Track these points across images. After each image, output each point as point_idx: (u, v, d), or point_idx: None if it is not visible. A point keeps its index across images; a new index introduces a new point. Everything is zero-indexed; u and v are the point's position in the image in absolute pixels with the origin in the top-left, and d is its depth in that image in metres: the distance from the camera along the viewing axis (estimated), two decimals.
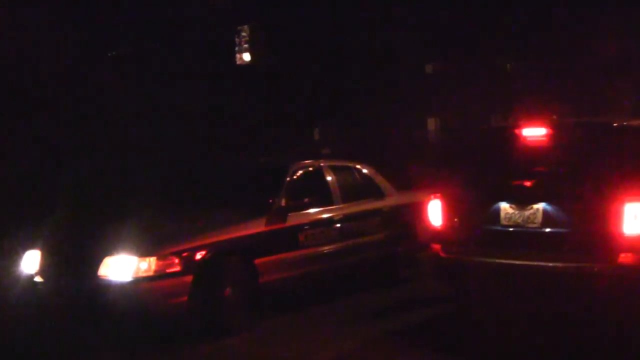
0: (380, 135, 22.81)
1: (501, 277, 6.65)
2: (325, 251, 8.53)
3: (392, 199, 9.85)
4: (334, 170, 9.19)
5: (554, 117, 7.13)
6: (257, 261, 7.60)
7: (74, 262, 7.23)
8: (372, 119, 23.21)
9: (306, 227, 8.30)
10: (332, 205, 8.85)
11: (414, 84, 24.41)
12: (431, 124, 28.10)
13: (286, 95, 20.31)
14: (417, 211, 9.19)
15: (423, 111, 26.63)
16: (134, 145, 14.72)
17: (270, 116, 19.81)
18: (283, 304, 8.25)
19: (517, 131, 6.87)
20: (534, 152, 6.81)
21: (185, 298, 6.95)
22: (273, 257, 7.81)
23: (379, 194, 9.75)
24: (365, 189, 9.62)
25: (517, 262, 6.57)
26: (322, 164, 9.14)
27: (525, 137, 6.83)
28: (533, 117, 7.13)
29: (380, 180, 9.94)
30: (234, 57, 21.30)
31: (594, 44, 21.35)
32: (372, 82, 22.71)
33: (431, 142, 25.52)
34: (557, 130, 6.79)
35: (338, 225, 8.78)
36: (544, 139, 6.76)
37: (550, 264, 6.41)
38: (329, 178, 9.01)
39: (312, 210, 8.45)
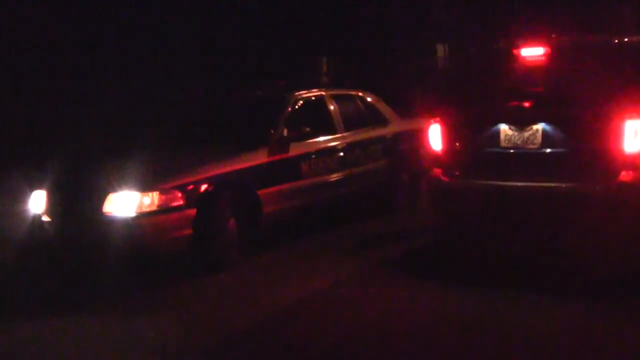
0: (389, 64, 22.58)
1: (502, 198, 6.65)
2: (328, 180, 8.57)
3: (396, 126, 9.83)
4: (336, 98, 9.16)
5: (553, 35, 7.00)
6: (260, 192, 7.65)
7: (78, 200, 7.29)
8: (381, 47, 22.94)
9: (309, 156, 8.31)
10: (334, 134, 8.85)
11: (422, 9, 24.06)
12: (440, 50, 27.77)
13: (292, 23, 20.06)
14: (420, 138, 9.17)
15: (432, 37, 26.29)
16: (133, 84, 14.64)
17: (276, 46, 19.60)
18: (284, 233, 8.31)
19: (515, 51, 6.78)
20: (533, 72, 6.73)
21: (189, 231, 7.01)
22: (276, 188, 7.85)
23: (382, 121, 9.73)
24: (368, 117, 9.60)
25: (518, 184, 6.56)
26: (323, 93, 9.10)
27: (524, 57, 6.74)
28: (531, 36, 7.02)
29: (383, 107, 9.90)
30: None
31: None
32: (380, 8, 22.41)
33: (440, 68, 25.26)
34: (556, 49, 6.68)
35: (341, 153, 8.79)
36: (543, 58, 6.67)
37: (552, 184, 6.39)
38: (330, 107, 8.99)
39: (314, 140, 8.45)
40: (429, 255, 7.65)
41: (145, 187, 6.93)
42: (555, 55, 6.65)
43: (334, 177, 8.65)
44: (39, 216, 7.49)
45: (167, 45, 15.82)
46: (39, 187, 7.68)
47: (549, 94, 6.61)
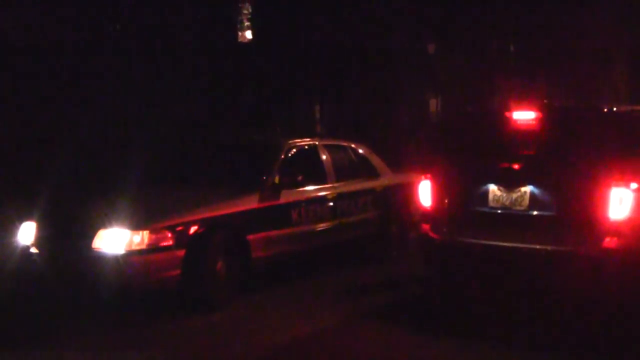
0: (380, 115, 22.85)
1: (488, 258, 6.75)
2: (317, 229, 8.65)
3: (387, 179, 9.95)
4: (329, 149, 9.28)
5: (545, 101, 7.19)
6: (250, 237, 7.71)
7: (68, 234, 7.33)
8: (374, 98, 23.22)
9: (299, 204, 8.40)
10: (325, 183, 8.96)
11: (416, 64, 24.42)
12: (433, 104, 28.11)
13: (287, 73, 20.32)
14: (411, 192, 9.31)
15: (425, 92, 26.65)
16: (130, 121, 14.76)
17: (270, 94, 19.83)
18: (272, 278, 8.36)
19: (507, 114, 6.94)
20: (524, 136, 6.89)
21: (178, 272, 7.07)
22: (265, 234, 7.92)
23: (373, 173, 9.85)
24: (360, 168, 9.72)
25: (504, 244, 6.67)
26: (316, 143, 9.23)
27: (515, 121, 6.91)
28: (524, 101, 7.20)
29: (375, 160, 10.03)
30: (235, 34, 21.27)
31: (592, 30, 21.39)
32: (375, 62, 22.70)
33: (432, 123, 25.56)
34: (547, 114, 6.86)
35: (331, 203, 8.89)
36: (534, 122, 6.84)
37: (537, 246, 6.51)
38: (323, 157, 9.11)
39: (305, 188, 8.55)
40: (414, 306, 7.72)
41: (136, 226, 6.99)
42: (546, 120, 6.82)
43: (324, 226, 8.73)
44: (28, 247, 7.52)
45: (161, 82, 15.98)
46: (29, 218, 7.72)
47: (538, 158, 6.77)
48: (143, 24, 16.53)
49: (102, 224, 7.07)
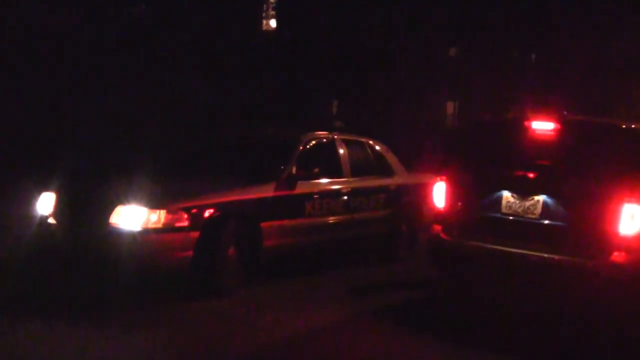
0: (397, 115, 22.91)
1: (497, 263, 6.84)
2: (330, 222, 8.76)
3: (401, 178, 10.06)
4: (346, 144, 9.40)
5: (565, 113, 7.26)
6: (263, 224, 7.84)
7: (86, 207, 7.47)
8: (392, 98, 23.29)
9: (314, 196, 8.52)
10: (341, 177, 9.07)
11: (437, 66, 24.46)
12: (450, 107, 28.18)
13: (308, 65, 20.42)
14: (424, 192, 9.43)
15: (443, 94, 26.70)
16: (157, 110, 14.91)
17: (291, 85, 19.95)
18: (280, 272, 8.47)
19: (526, 123, 7.02)
20: (541, 146, 6.96)
21: (190, 253, 7.19)
22: (279, 222, 8.05)
23: (388, 171, 9.96)
24: (375, 166, 9.83)
25: (514, 250, 6.75)
26: (335, 137, 9.35)
27: (534, 130, 6.98)
28: (544, 111, 7.28)
29: (391, 158, 10.14)
30: (260, 23, 21.41)
31: (617, 46, 21.37)
32: (395, 61, 22.76)
33: (448, 126, 25.62)
34: (566, 126, 6.93)
35: (345, 198, 9.00)
36: (552, 133, 6.91)
37: (546, 255, 6.58)
38: (340, 151, 9.23)
39: (321, 181, 8.67)
40: (420, 308, 7.81)
41: (153, 204, 7.12)
42: (564, 132, 6.89)
43: (336, 219, 8.85)
44: (46, 218, 7.67)
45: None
46: (48, 189, 7.86)
47: (553, 168, 6.84)
48: (168, 13, 16.67)
49: (121, 201, 7.20)
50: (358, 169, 9.39)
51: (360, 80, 22.01)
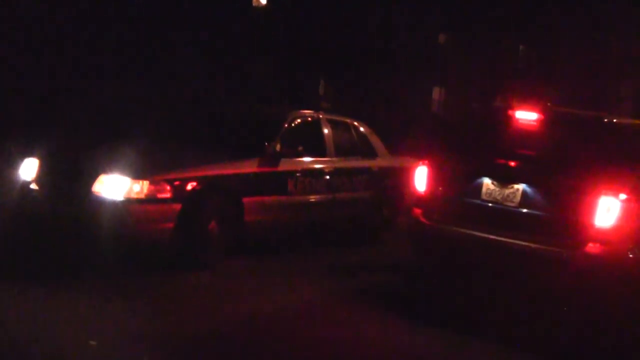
0: (383, 99, 22.95)
1: (475, 249, 6.93)
2: (311, 200, 8.83)
3: (384, 161, 10.13)
4: (331, 124, 9.45)
5: (548, 104, 7.34)
6: (245, 199, 7.89)
7: (69, 175, 7.48)
8: (378, 81, 23.30)
9: (297, 174, 8.58)
10: (324, 157, 9.12)
11: (425, 50, 24.48)
12: (436, 93, 28.24)
13: (297, 44, 20.40)
14: (406, 175, 9.50)
15: (430, 80, 26.75)
16: (144, 84, 14.86)
17: (279, 64, 19.91)
18: (262, 249, 8.54)
19: (510, 113, 7.10)
20: (523, 135, 7.05)
21: (172, 225, 7.24)
22: (260, 198, 8.11)
23: (371, 153, 10.02)
24: (359, 147, 9.90)
25: (491, 237, 6.83)
26: (320, 116, 9.39)
27: (517, 120, 7.06)
28: (528, 101, 7.35)
29: (374, 140, 10.20)
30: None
31: (605, 41, 21.50)
32: (383, 44, 22.77)
33: (433, 111, 25.70)
34: (549, 117, 7.02)
35: (327, 177, 9.07)
36: (535, 123, 6.99)
37: (523, 243, 6.66)
38: (325, 131, 9.28)
39: (304, 159, 8.72)
40: (396, 289, 7.93)
41: (136, 175, 7.15)
42: (547, 123, 6.97)
43: (318, 198, 8.91)
44: (28, 183, 7.66)
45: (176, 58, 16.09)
46: (32, 154, 7.85)
47: (534, 158, 6.93)
48: None
49: (104, 170, 7.22)
50: (342, 150, 9.45)
51: (349, 62, 22.00)
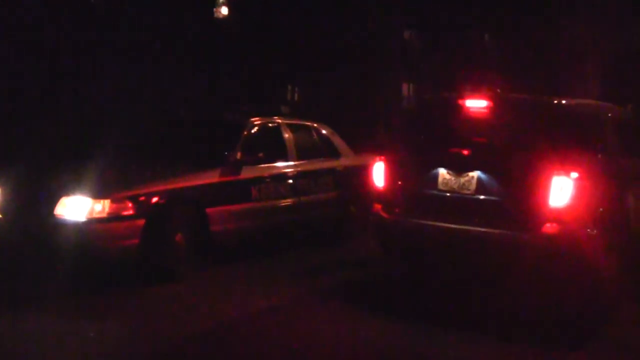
0: (352, 98, 23.04)
1: (437, 239, 7.04)
2: (277, 205, 8.89)
3: (348, 160, 10.21)
4: (291, 128, 9.52)
5: (497, 90, 7.45)
6: (209, 210, 7.94)
7: (32, 199, 7.51)
8: (347, 81, 23.39)
9: (259, 180, 8.63)
10: (287, 161, 9.19)
11: (391, 48, 24.60)
12: (405, 89, 28.37)
13: (261, 52, 20.46)
14: (371, 173, 9.57)
15: (397, 76, 26.86)
16: (100, 96, 14.87)
17: (245, 73, 19.98)
18: (230, 254, 8.60)
19: (460, 102, 7.21)
20: (475, 123, 7.17)
21: (137, 241, 7.27)
22: (225, 208, 8.15)
23: (334, 154, 10.10)
24: (322, 149, 9.97)
25: (452, 226, 6.95)
26: (279, 121, 9.46)
27: (468, 108, 7.18)
28: (477, 89, 7.47)
29: (337, 140, 10.28)
30: (211, 11, 21.33)
31: (567, 28, 21.68)
32: (349, 43, 22.85)
33: (403, 107, 25.80)
34: (498, 103, 7.14)
35: (291, 181, 9.14)
36: (485, 111, 7.11)
37: (482, 230, 6.79)
38: (285, 135, 9.34)
39: (267, 165, 8.79)
40: (365, 286, 8.01)
41: (97, 194, 7.19)
42: (496, 109, 7.09)
43: (283, 203, 8.98)
44: None
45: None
46: None
47: (486, 144, 7.06)
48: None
49: (65, 192, 7.26)
50: (304, 152, 9.52)
51: (314, 64, 22.08)
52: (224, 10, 21.40)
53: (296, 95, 24.91)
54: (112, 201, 7.18)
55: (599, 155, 7.01)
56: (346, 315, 6.85)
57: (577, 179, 6.41)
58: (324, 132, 10.16)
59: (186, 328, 6.19)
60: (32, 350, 5.52)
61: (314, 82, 22.92)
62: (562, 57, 21.57)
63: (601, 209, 6.70)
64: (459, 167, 6.93)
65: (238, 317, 6.59)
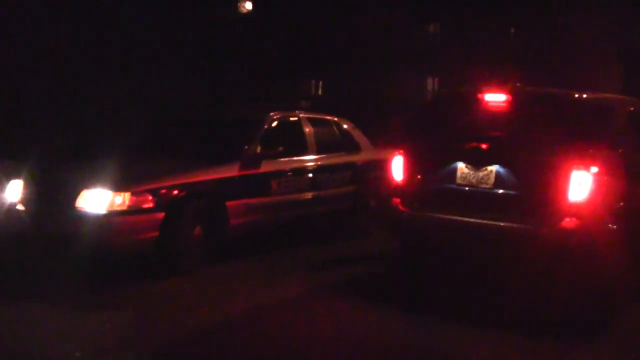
0: (376, 92, 23.03)
1: (455, 233, 7.02)
2: (296, 199, 8.93)
3: (368, 154, 10.21)
4: (312, 122, 9.54)
5: (517, 84, 7.41)
6: (229, 204, 7.99)
7: (53, 193, 7.61)
8: (371, 75, 23.37)
9: (279, 174, 8.67)
10: (307, 155, 9.22)
11: (416, 42, 24.55)
12: (430, 83, 28.30)
13: (285, 46, 20.51)
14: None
15: (423, 70, 26.80)
16: (123, 92, 14.98)
17: (269, 67, 20.03)
18: (247, 249, 8.63)
19: (479, 96, 7.18)
20: (494, 117, 7.12)
21: (156, 234, 7.35)
22: (244, 201, 8.20)
23: (354, 148, 10.11)
24: (342, 143, 9.99)
25: (470, 220, 6.92)
26: (299, 116, 9.48)
27: (487, 102, 7.14)
28: (497, 84, 7.43)
29: (357, 135, 10.28)
30: (237, 6, 21.42)
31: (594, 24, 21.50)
32: (375, 38, 22.83)
33: (423, 101, 25.74)
34: (518, 97, 7.09)
35: (311, 175, 9.16)
36: (504, 104, 7.07)
37: (501, 224, 6.75)
38: (306, 129, 9.37)
39: (286, 159, 8.81)
40: (382, 280, 8.00)
41: (118, 187, 7.26)
42: (515, 103, 7.04)
43: (302, 196, 9.01)
44: (14, 204, 7.79)
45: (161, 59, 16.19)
46: (16, 176, 7.98)
47: (505, 139, 7.01)
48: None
49: (86, 184, 7.34)
50: (324, 147, 9.54)
51: (338, 59, 22.10)
52: (248, 5, 21.50)
53: (320, 90, 24.95)
54: (133, 194, 7.24)
55: (620, 150, 6.94)
56: (361, 308, 6.83)
57: (596, 174, 6.36)
58: (344, 126, 10.17)
59: (188, 325, 6.16)
60: (32, 349, 5.49)
61: (338, 77, 22.93)
62: (583, 46, 21.40)
63: (621, 204, 6.64)
64: (478, 162, 6.90)
65: (244, 312, 6.57)
